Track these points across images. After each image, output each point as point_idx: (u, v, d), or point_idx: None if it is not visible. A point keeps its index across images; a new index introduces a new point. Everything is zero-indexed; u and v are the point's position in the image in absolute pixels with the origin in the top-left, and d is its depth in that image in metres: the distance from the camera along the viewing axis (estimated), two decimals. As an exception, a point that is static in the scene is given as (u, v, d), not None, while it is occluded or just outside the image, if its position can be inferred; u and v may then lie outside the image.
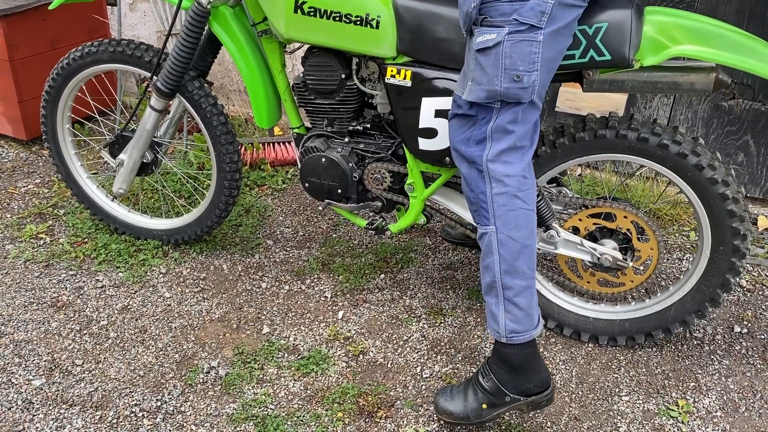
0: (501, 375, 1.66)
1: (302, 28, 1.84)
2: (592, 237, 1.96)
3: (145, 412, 1.80)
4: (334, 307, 2.21)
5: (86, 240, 2.45)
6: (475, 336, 2.11)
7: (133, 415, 1.80)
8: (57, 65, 2.30)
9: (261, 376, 1.93)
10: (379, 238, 2.55)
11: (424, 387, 1.92)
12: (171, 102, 2.20)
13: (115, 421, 1.78)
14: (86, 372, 1.92)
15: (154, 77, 2.13)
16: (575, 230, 1.97)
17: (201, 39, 2.07)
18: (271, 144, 3.02)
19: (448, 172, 1.95)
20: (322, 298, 2.25)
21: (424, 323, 2.15)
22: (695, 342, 2.10)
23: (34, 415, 1.78)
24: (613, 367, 2.01)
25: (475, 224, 1.68)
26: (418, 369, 1.98)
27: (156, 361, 1.97)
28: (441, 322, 2.15)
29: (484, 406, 1.67)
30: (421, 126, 1.84)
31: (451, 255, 2.48)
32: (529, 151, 1.61)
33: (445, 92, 1.78)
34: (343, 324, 2.14)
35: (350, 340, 2.08)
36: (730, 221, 1.82)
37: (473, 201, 1.63)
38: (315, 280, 2.33)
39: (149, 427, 1.76)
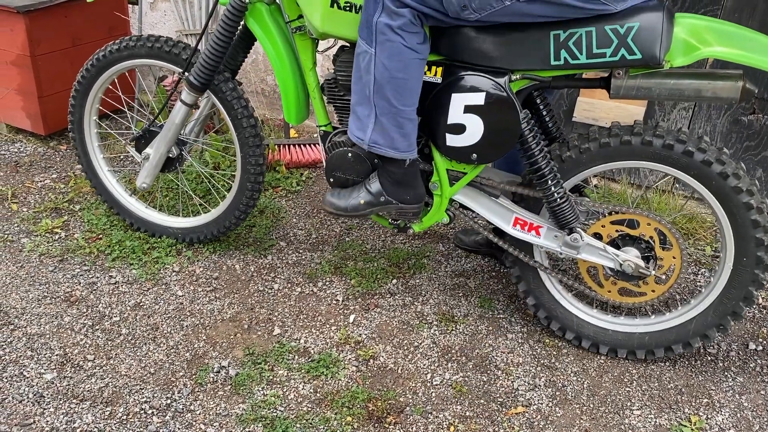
0: (385, 183, 1.93)
1: (338, 22, 1.86)
2: (614, 245, 1.95)
3: (154, 410, 1.80)
4: (345, 311, 2.20)
5: (101, 236, 2.47)
6: (487, 345, 2.09)
7: (142, 412, 1.80)
8: (92, 57, 2.31)
9: (271, 377, 1.93)
10: (392, 242, 2.54)
11: (434, 394, 1.91)
12: (201, 97, 2.20)
13: (124, 417, 1.78)
14: (97, 367, 1.93)
15: (186, 72, 2.15)
16: (598, 237, 1.96)
17: (236, 32, 2.08)
18: (286, 146, 3.02)
19: (473, 171, 1.96)
20: (334, 302, 2.25)
21: (435, 330, 2.14)
22: (709, 358, 2.08)
23: (44, 409, 1.79)
24: (626, 380, 1.99)
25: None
26: (429, 376, 1.97)
27: (167, 359, 1.97)
28: (452, 330, 2.14)
29: (362, 202, 1.95)
30: (449, 122, 1.86)
31: (464, 262, 2.47)
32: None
33: (475, 88, 1.80)
34: (354, 328, 2.13)
35: (361, 344, 2.07)
36: (754, 231, 1.79)
37: (363, 20, 1.76)
38: (327, 283, 2.33)
39: (158, 424, 1.76)
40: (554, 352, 2.08)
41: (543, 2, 1.64)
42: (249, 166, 2.23)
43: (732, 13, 2.49)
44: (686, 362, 2.06)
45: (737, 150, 2.67)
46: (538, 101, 1.97)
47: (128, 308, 2.16)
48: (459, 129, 1.86)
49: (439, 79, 1.84)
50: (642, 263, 1.91)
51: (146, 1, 3.37)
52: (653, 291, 1.97)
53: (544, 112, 2.00)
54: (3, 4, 2.80)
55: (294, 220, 2.68)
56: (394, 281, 2.35)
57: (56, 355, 1.96)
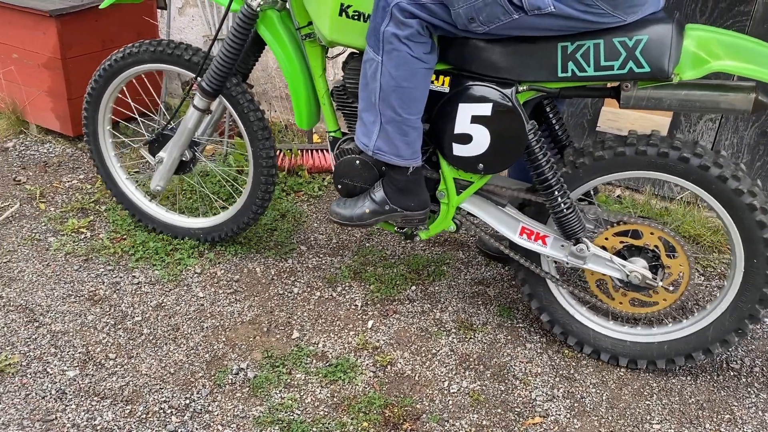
0: (389, 191, 1.95)
1: (346, 31, 1.87)
2: (621, 256, 1.94)
3: (173, 409, 1.83)
4: (364, 316, 2.21)
5: (125, 237, 2.50)
6: (505, 354, 2.08)
7: (161, 411, 1.82)
8: (100, 66, 2.35)
9: (289, 380, 1.94)
10: (412, 249, 2.54)
11: (451, 402, 1.90)
12: (213, 102, 2.24)
13: (144, 416, 1.80)
14: (119, 366, 1.96)
15: (199, 78, 2.18)
16: (604, 248, 1.95)
17: (248, 39, 2.10)
18: (309, 151, 3.04)
19: (480, 180, 1.97)
20: (353, 307, 2.25)
21: (453, 337, 2.14)
22: (732, 373, 2.05)
23: (66, 405, 1.82)
24: (645, 393, 1.97)
25: (500, 240, 1.82)
26: (446, 383, 1.96)
27: (186, 360, 1.99)
28: (471, 338, 2.14)
29: (367, 211, 1.96)
30: (456, 132, 1.86)
31: (484, 270, 2.46)
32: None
33: (482, 99, 1.81)
34: (372, 333, 2.14)
35: (379, 350, 2.07)
36: (761, 233, 1.78)
37: (371, 28, 1.77)
38: (346, 288, 2.34)
39: (177, 424, 1.78)
40: (573, 363, 2.06)
41: (552, 16, 1.63)
42: (261, 159, 2.25)
43: (761, 23, 2.46)
44: (708, 377, 2.03)
45: (765, 162, 2.63)
46: (548, 110, 1.98)
47: (150, 308, 2.19)
48: (466, 139, 1.86)
49: (446, 89, 1.84)
50: (649, 273, 1.90)
51: (175, 6, 3.42)
52: (665, 300, 1.95)
53: (554, 121, 2.00)
54: (36, 7, 2.87)
55: (315, 224, 2.70)
56: (413, 288, 2.35)
57: (79, 352, 1.99)
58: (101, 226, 2.57)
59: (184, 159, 2.34)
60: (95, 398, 1.85)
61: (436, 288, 2.35)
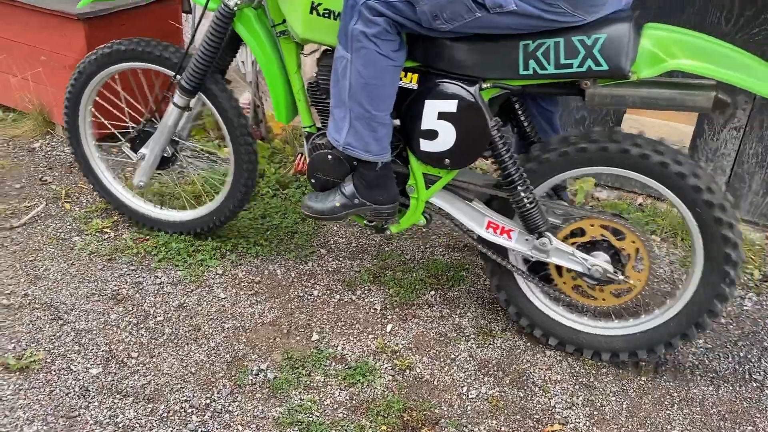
0: (358, 185, 1.98)
1: (317, 29, 1.93)
2: (586, 250, 1.96)
3: (194, 409, 1.84)
4: (383, 320, 2.22)
5: (148, 237, 2.53)
6: (524, 360, 2.08)
7: (182, 410, 1.84)
8: (84, 60, 2.36)
9: (308, 382, 1.95)
10: (431, 254, 2.55)
11: (469, 408, 1.90)
12: (192, 99, 2.27)
13: (165, 414, 1.82)
14: (141, 365, 1.98)
15: (178, 76, 2.21)
16: (582, 232, 1.96)
17: (225, 38, 2.14)
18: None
19: (447, 175, 2.00)
20: (372, 310, 2.26)
21: (472, 343, 2.14)
22: (755, 384, 2.02)
23: (89, 403, 1.84)
24: (666, 403, 1.95)
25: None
26: (465, 389, 1.96)
27: (207, 360, 2.01)
28: (490, 344, 2.14)
29: (337, 204, 2.00)
30: (423, 128, 1.90)
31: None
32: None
33: (448, 96, 1.85)
34: (391, 337, 2.14)
35: (397, 354, 2.08)
36: (719, 229, 1.80)
37: (341, 26, 1.82)
38: (365, 291, 2.35)
39: (197, 423, 1.80)
40: (593, 371, 2.05)
41: (514, 14, 1.66)
42: (241, 154, 2.29)
43: None
44: (730, 387, 2.01)
45: (789, 172, 2.61)
46: (517, 107, 2.01)
47: (172, 308, 2.21)
48: (432, 135, 1.91)
49: (414, 86, 1.89)
50: (610, 267, 1.92)
51: (199, 9, 3.46)
52: (639, 280, 1.95)
53: (523, 118, 2.04)
54: (64, 11, 2.92)
55: (335, 228, 2.71)
56: (432, 292, 2.35)
57: (102, 350, 2.02)
58: (125, 226, 2.60)
59: (165, 155, 2.38)
60: (118, 396, 1.87)
61: (455, 293, 2.35)
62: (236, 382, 1.94)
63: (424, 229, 2.69)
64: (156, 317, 2.17)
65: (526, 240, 1.98)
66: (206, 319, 2.18)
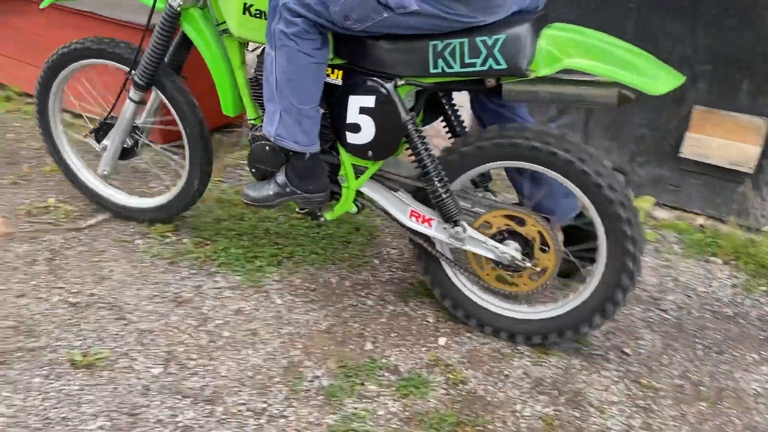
0: (290, 175, 2.12)
1: (250, 28, 2.08)
2: (499, 240, 2.05)
3: (251, 412, 1.88)
4: (436, 333, 2.22)
5: (208, 242, 2.60)
6: (580, 380, 2.05)
7: (239, 413, 1.88)
8: (49, 58, 2.50)
9: (362, 391, 1.97)
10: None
11: (523, 425, 1.88)
12: (147, 93, 2.41)
13: (223, 417, 1.86)
14: (200, 367, 2.03)
15: (132, 71, 2.34)
16: (489, 225, 2.06)
17: (173, 36, 2.29)
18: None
19: (373, 166, 2.12)
20: (425, 323, 2.27)
21: (527, 360, 2.12)
22: (823, 416, 1.95)
23: (151, 401, 1.89)
24: (729, 430, 1.89)
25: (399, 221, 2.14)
26: (518, 406, 1.95)
27: (264, 365, 2.05)
28: (545, 362, 2.12)
29: (271, 193, 2.15)
30: (348, 121, 2.04)
31: (559, 295, 2.43)
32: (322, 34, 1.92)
33: (367, 91, 1.98)
34: (444, 351, 2.14)
35: (451, 367, 2.08)
36: (619, 224, 1.89)
37: (267, 25, 1.96)
38: (418, 303, 2.35)
39: (254, 427, 1.83)
40: (651, 394, 2.01)
41: (418, 15, 1.77)
42: (195, 146, 2.43)
43: None
44: (797, 418, 1.94)
45: None
46: (444, 102, 2.14)
47: (230, 312, 2.26)
48: (356, 128, 2.03)
49: (339, 82, 2.03)
50: (518, 255, 2.02)
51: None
52: (549, 260, 2.02)
53: (450, 113, 2.16)
54: (131, 21, 3.03)
55: (388, 239, 2.73)
56: (487, 307, 2.34)
57: (163, 351, 2.08)
58: (185, 231, 2.68)
59: (126, 146, 2.53)
60: (177, 396, 1.92)
61: (510, 309, 2.34)
62: (292, 388, 1.97)
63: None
64: (215, 320, 2.22)
65: (444, 228, 2.09)
66: (263, 324, 2.22)
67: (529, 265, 2.01)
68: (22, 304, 2.21)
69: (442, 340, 2.19)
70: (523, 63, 1.78)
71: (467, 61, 1.83)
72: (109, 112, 2.53)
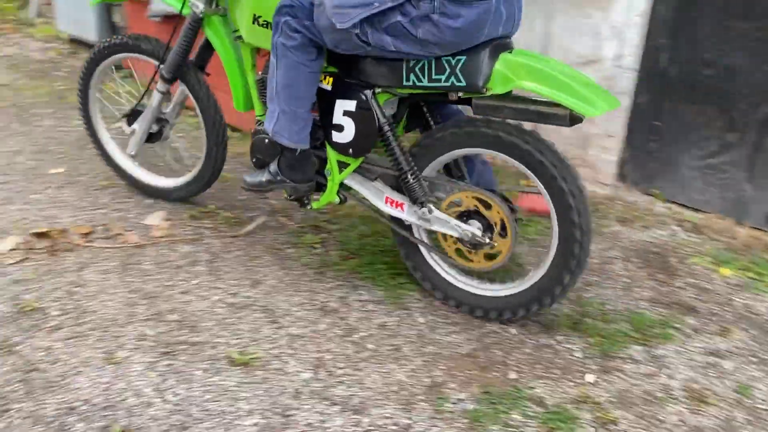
0: (282, 166, 2.40)
1: (258, 36, 2.38)
2: (464, 220, 2.26)
3: (396, 427, 1.90)
4: (583, 369, 2.15)
5: (353, 256, 2.68)
6: (744, 435, 1.91)
7: (385, 426, 1.90)
8: (92, 51, 2.85)
9: (506, 420, 1.93)
10: (636, 306, 2.43)
11: (681, 476, 1.77)
12: (172, 87, 2.72)
13: (369, 428, 1.89)
14: (346, 376, 2.08)
15: (161, 65, 2.64)
16: (459, 203, 2.27)
17: (195, 38, 2.60)
18: (525, 193, 3.05)
19: (355, 162, 2.38)
20: (571, 357, 2.20)
21: (683, 407, 2.00)
22: None
23: (301, 405, 1.96)
24: None
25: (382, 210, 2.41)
26: (674, 455, 1.84)
27: (408, 381, 2.07)
28: (703, 411, 1.98)
29: (264, 180, 2.43)
30: (334, 122, 2.31)
31: (717, 340, 2.28)
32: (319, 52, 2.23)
33: (350, 97, 2.26)
34: (592, 388, 2.07)
35: (599, 406, 2.00)
36: (568, 213, 2.09)
37: (272, 37, 2.24)
38: (564, 336, 2.29)
39: (399, 442, 1.85)
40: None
41: (396, 51, 2.07)
42: (212, 134, 2.73)
43: None
44: None
45: None
46: (425, 110, 2.38)
47: (374, 326, 2.31)
48: (340, 128, 2.30)
49: (329, 87, 2.31)
50: (479, 232, 2.22)
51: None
52: (504, 246, 2.24)
53: (431, 120, 2.39)
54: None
55: (530, 268, 2.69)
56: (637, 347, 2.24)
57: (312, 357, 2.15)
58: (332, 243, 2.77)
59: (152, 131, 2.83)
60: (326, 403, 1.98)
61: (663, 351, 2.22)
62: (436, 408, 1.97)
63: (622, 275, 2.59)
64: (360, 332, 2.28)
65: (414, 211, 2.31)
66: (406, 341, 2.24)
67: (488, 242, 2.22)
68: (185, 301, 2.38)
69: (590, 377, 2.11)
70: (479, 81, 2.03)
71: (434, 77, 2.09)
72: (139, 100, 2.84)
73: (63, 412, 1.88)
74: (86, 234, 2.69)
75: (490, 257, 2.28)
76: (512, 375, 2.11)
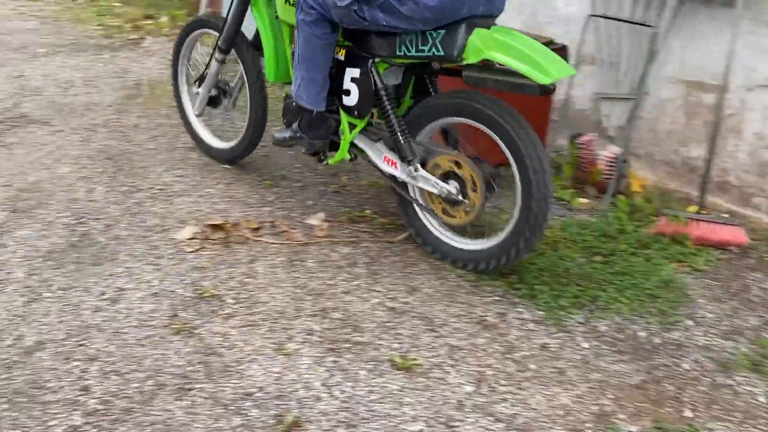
0: (302, 125, 2.78)
1: (289, 14, 2.77)
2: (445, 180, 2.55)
3: (565, 453, 1.84)
4: (767, 416, 1.98)
5: (510, 272, 2.63)
6: None
7: (552, 451, 1.84)
8: (181, 30, 3.34)
9: (684, 461, 1.82)
10: None
11: None
12: (227, 56, 3.10)
13: (536, 450, 1.84)
14: (509, 394, 2.04)
15: (219, 37, 3.05)
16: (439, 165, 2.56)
17: (244, 14, 2.98)
18: (697, 221, 2.88)
19: (361, 123, 2.73)
20: (754, 401, 2.04)
21: None
22: None
23: (465, 417, 1.94)
24: None
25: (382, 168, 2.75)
26: None
27: (573, 407, 2.00)
28: None
29: (287, 136, 2.85)
30: (344, 88, 2.67)
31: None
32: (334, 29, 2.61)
33: (355, 65, 2.62)
34: (779, 438, 1.90)
35: (790, 459, 1.83)
36: (529, 186, 2.36)
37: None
38: (744, 378, 2.13)
39: (569, 469, 1.78)
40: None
41: (388, 26, 2.42)
42: (256, 98, 3.07)
43: None
44: None
45: None
46: (427, 81, 2.70)
47: (535, 346, 2.25)
48: (348, 93, 2.67)
49: (342, 58, 2.68)
50: (454, 189, 2.51)
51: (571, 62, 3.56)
52: (476, 200, 2.50)
53: (430, 88, 2.70)
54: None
55: (701, 300, 2.52)
56: (831, 399, 2.04)
57: (472, 370, 2.13)
58: (487, 257, 2.74)
59: (212, 95, 3.22)
60: (490, 418, 1.94)
61: None
62: (606, 438, 1.89)
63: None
64: (521, 351, 2.23)
65: (404, 168, 2.62)
66: (570, 365, 2.17)
67: (461, 198, 2.50)
68: (347, 300, 2.43)
69: (776, 426, 1.94)
70: (455, 52, 2.34)
71: (419, 47, 2.43)
72: (206, 67, 3.19)
73: (239, 397, 1.97)
74: (255, 229, 2.82)
75: (467, 212, 2.55)
76: (687, 413, 1.99)
